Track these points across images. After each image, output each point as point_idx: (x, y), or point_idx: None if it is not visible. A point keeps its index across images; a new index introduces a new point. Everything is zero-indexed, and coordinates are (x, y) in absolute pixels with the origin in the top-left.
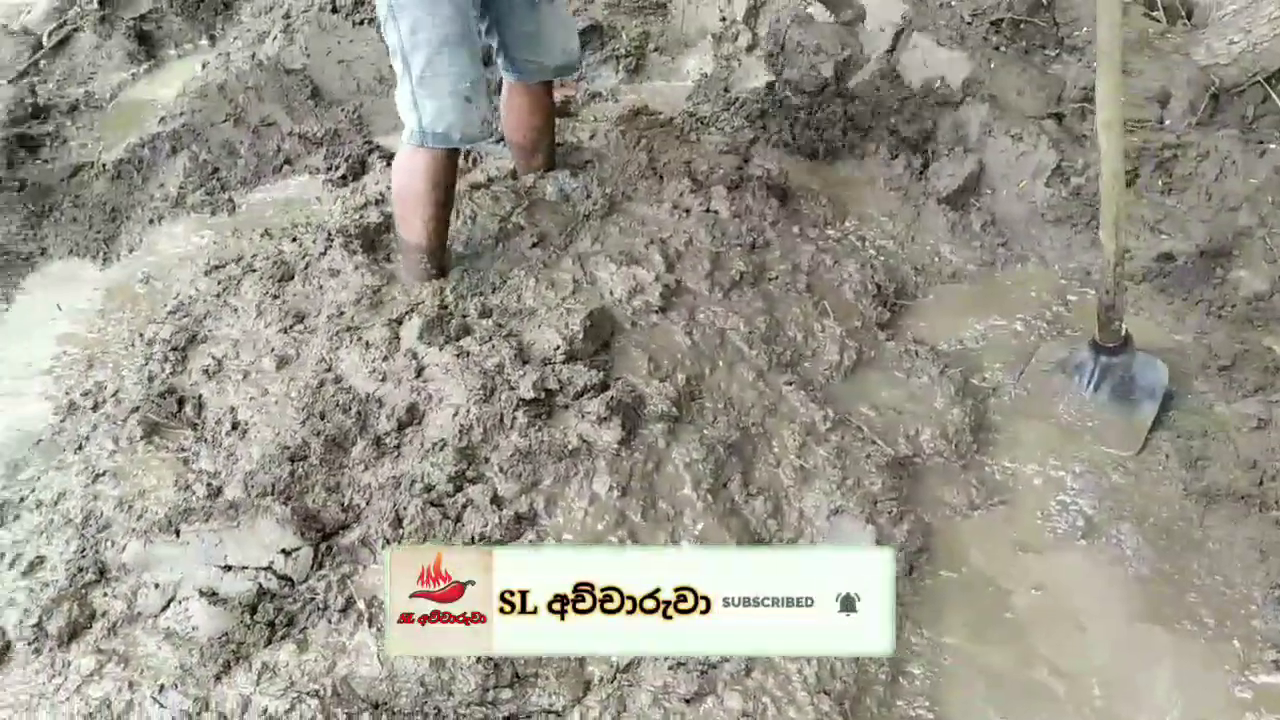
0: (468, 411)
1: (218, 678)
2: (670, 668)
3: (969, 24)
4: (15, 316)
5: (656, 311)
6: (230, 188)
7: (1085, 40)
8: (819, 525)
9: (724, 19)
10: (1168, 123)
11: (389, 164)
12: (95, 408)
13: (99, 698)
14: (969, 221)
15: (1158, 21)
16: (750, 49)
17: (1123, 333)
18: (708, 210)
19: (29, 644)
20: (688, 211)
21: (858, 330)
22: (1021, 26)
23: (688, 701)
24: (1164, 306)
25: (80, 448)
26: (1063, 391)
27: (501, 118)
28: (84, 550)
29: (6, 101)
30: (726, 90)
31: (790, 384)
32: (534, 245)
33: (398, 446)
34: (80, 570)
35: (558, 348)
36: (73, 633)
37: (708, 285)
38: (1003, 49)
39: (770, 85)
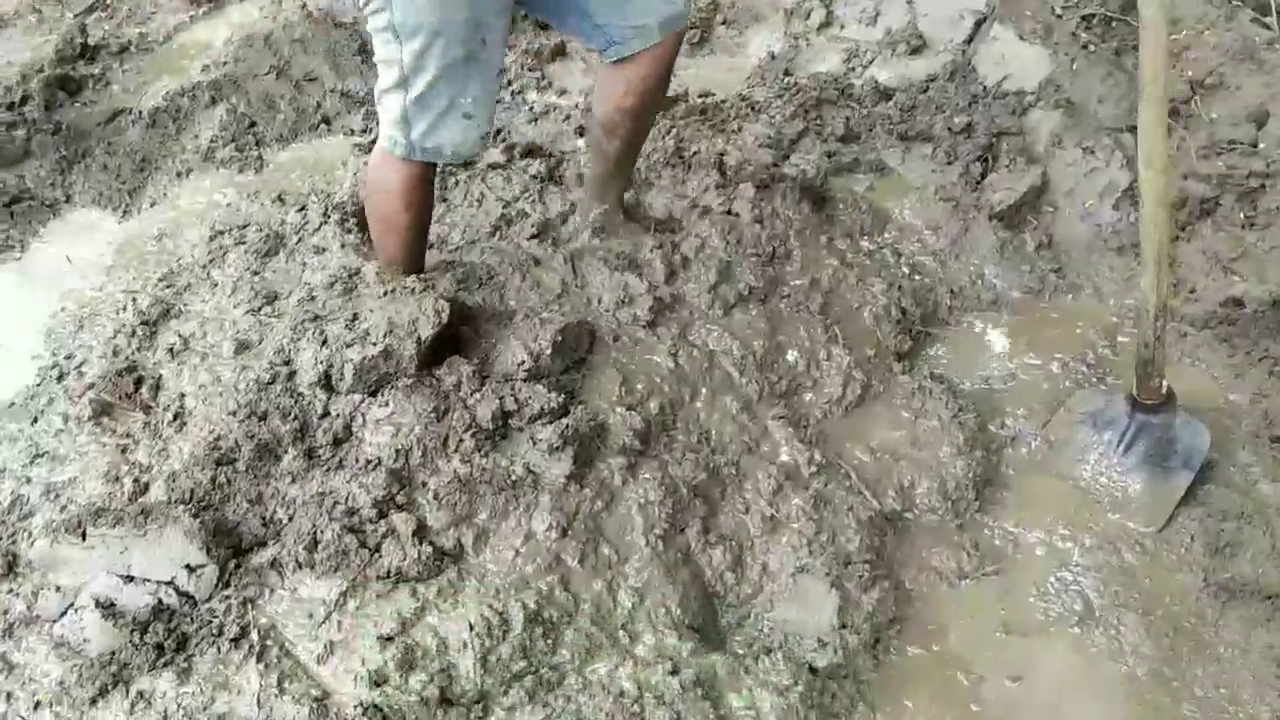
0: (410, 430)
1: (93, 700)
2: None
3: (1059, 17)
4: (26, 265)
5: (644, 326)
6: (264, 143)
7: (1183, 45)
8: (782, 583)
9: None
10: (1261, 146)
11: None
12: (60, 378)
13: None
14: (1022, 241)
15: (1268, 29)
16: (823, 27)
17: (1163, 390)
18: (728, 212)
19: None
20: (705, 211)
21: (869, 360)
22: (1114, 24)
23: None
24: (1223, 359)
25: (35, 420)
26: (1089, 449)
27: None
28: (1, 538)
29: (56, 40)
30: (787, 73)
31: (779, 419)
32: (533, 237)
33: (335, 459)
34: None
35: (521, 363)
36: None
37: (708, 300)
38: (1091, 48)
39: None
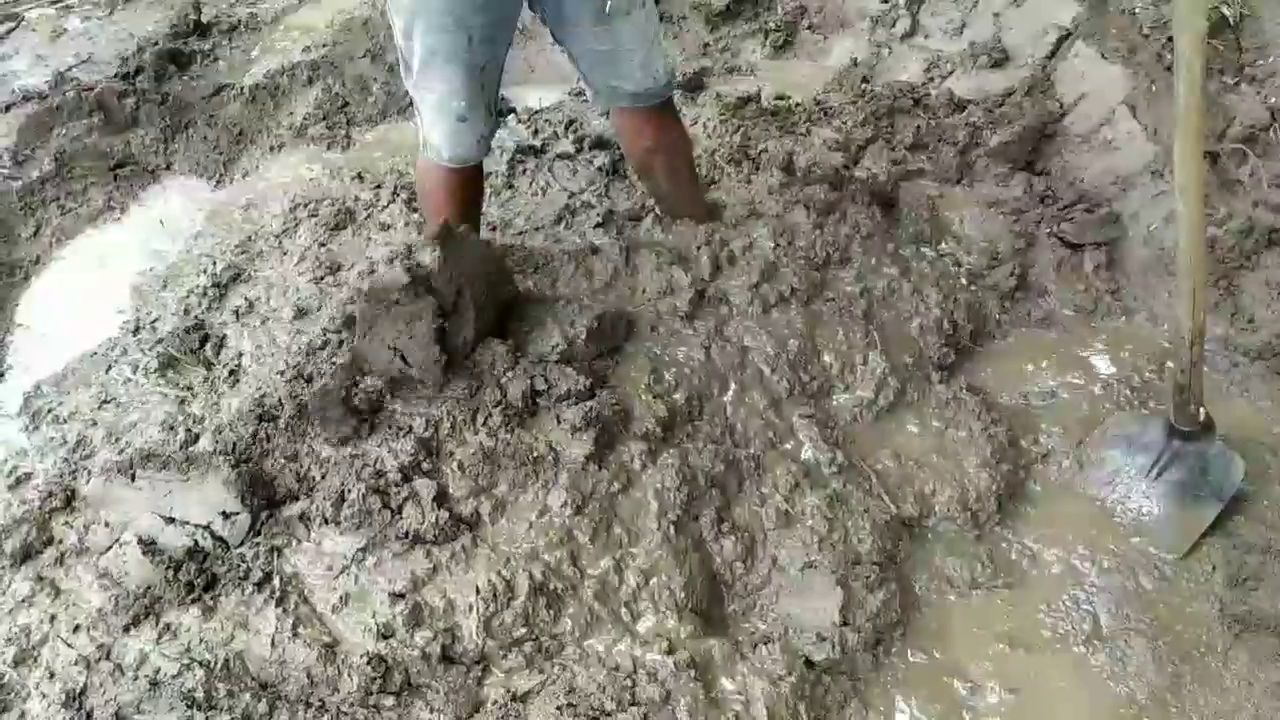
0: (443, 403)
1: (126, 629)
2: (558, 708)
3: (1145, 37)
4: (125, 227)
5: (682, 318)
6: (354, 123)
7: (1269, 71)
8: (790, 577)
9: (885, 1)
10: None
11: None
12: (135, 331)
13: (23, 624)
14: (1080, 260)
15: None
16: (907, 36)
17: (1200, 417)
18: (780, 216)
19: None
20: (758, 212)
21: (907, 368)
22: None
23: None
24: (1273, 392)
25: (108, 369)
26: (1120, 471)
27: None
28: (63, 474)
29: (172, 15)
30: (865, 80)
31: (806, 417)
32: (597, 226)
33: (368, 424)
34: (51, 494)
35: (555, 345)
36: (25, 555)
37: (748, 298)
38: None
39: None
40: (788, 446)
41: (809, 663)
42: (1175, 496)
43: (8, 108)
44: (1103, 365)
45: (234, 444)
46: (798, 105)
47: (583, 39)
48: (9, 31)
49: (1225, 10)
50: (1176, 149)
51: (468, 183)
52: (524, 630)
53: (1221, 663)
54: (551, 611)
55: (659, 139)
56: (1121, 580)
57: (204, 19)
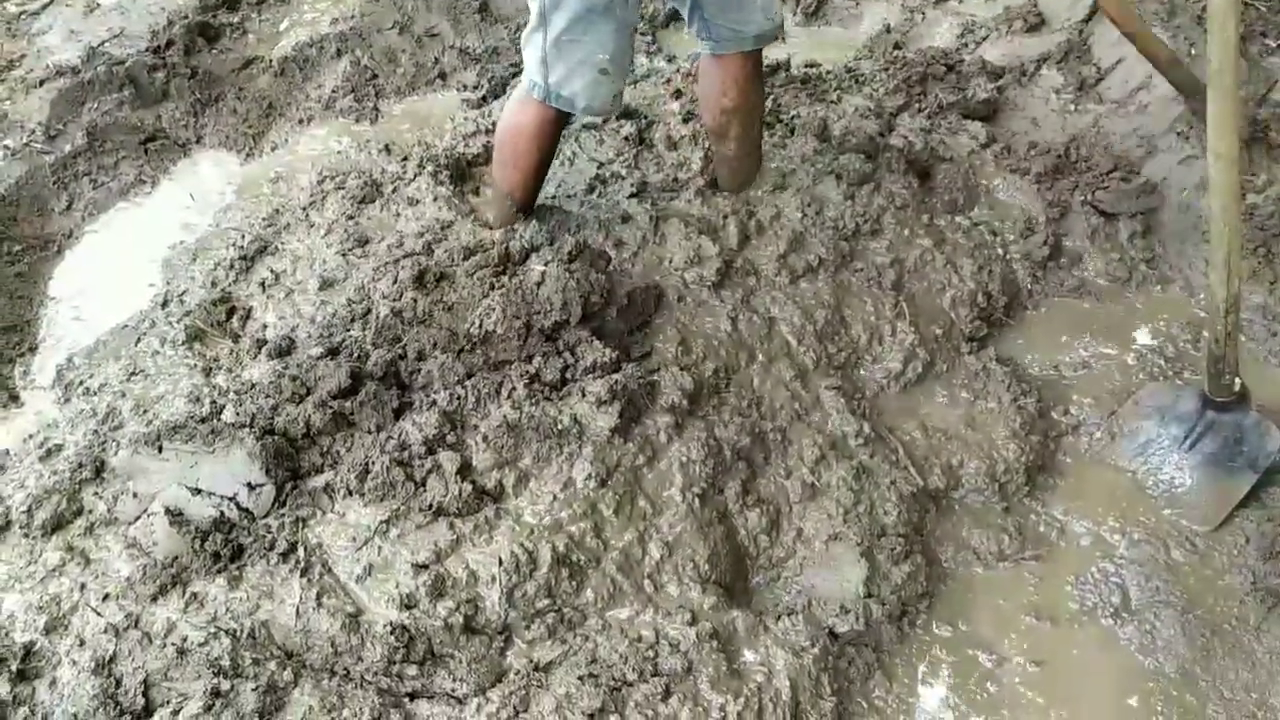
0: (467, 375)
1: (154, 598)
2: (580, 678)
3: None
4: (155, 200)
5: (709, 288)
6: (382, 95)
7: None
8: (815, 549)
9: None
10: None
11: None
12: (164, 304)
13: (54, 593)
14: (1116, 229)
15: None
16: (940, 2)
17: (1236, 387)
18: (814, 184)
19: (20, 528)
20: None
21: (937, 340)
22: (1245, 8)
23: (589, 717)
24: None
25: (138, 341)
26: (1153, 443)
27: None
28: (93, 445)
29: None
30: (897, 47)
31: (833, 389)
32: (632, 195)
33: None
34: (81, 465)
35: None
36: (56, 524)
37: (775, 268)
38: None
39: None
40: (814, 418)
41: (833, 634)
42: (1209, 468)
43: (41, 82)
44: (1137, 335)
45: (257, 413)
46: (828, 73)
47: None
48: (44, 6)
49: None
50: (1210, 109)
51: (560, 132)
52: (546, 601)
53: (1254, 636)
54: (574, 583)
55: (748, 94)
56: (1152, 553)
57: None
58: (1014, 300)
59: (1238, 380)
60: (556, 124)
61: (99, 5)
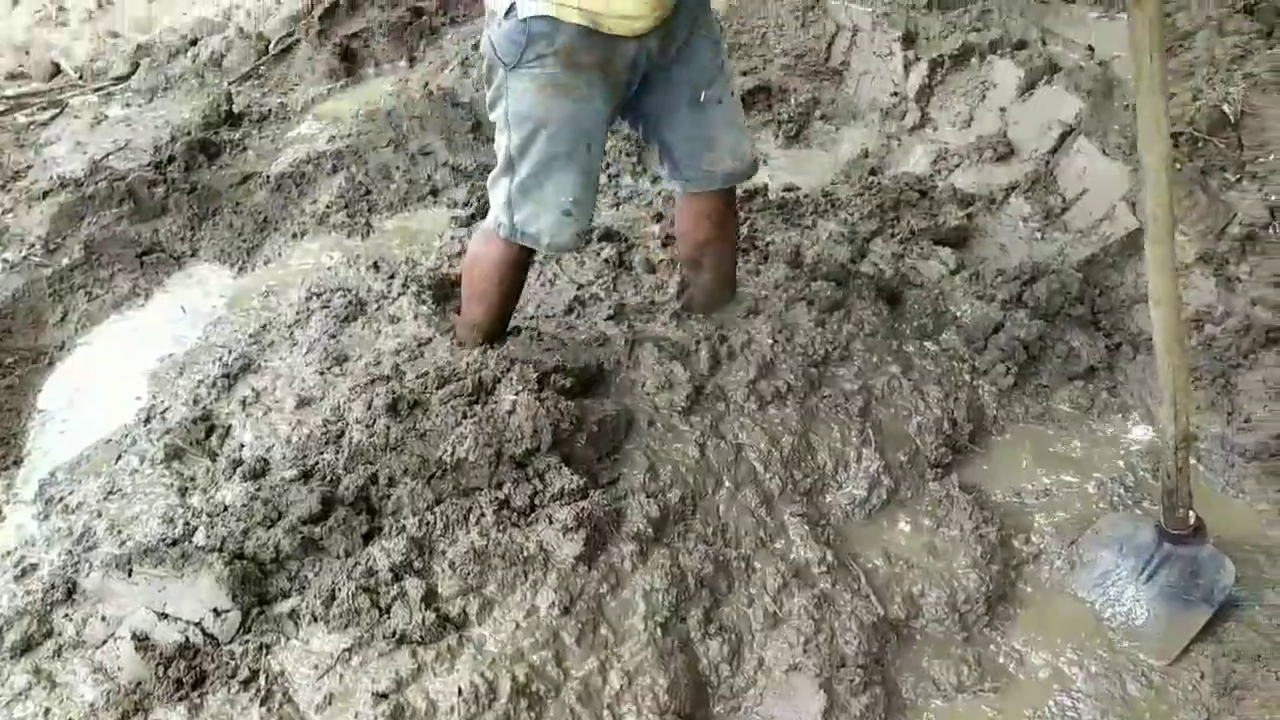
0: (437, 500)
1: None
2: None
3: None
4: (148, 313)
5: (679, 413)
6: (375, 211)
7: (1270, 169)
8: (775, 678)
9: (895, 94)
10: None
11: None
12: (146, 421)
13: (17, 718)
14: (1079, 357)
15: None
16: (916, 129)
17: (1190, 521)
18: (781, 312)
19: None
20: (756, 310)
21: (902, 466)
22: (1200, 145)
23: None
24: (1269, 494)
25: (118, 458)
26: (1111, 574)
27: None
28: (66, 566)
29: (205, 106)
30: (874, 173)
31: (798, 516)
32: (609, 318)
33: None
34: (54, 586)
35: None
36: (26, 646)
37: (744, 394)
38: (1178, 166)
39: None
40: (778, 545)
41: None
42: (1165, 601)
43: (45, 194)
44: (1098, 463)
45: (224, 539)
46: (805, 197)
47: (679, 127)
48: (53, 118)
49: (1225, 108)
50: (1148, 257)
51: (526, 269)
52: None
53: None
54: (533, 713)
55: (722, 228)
56: (1108, 686)
57: (236, 109)
58: (979, 427)
59: (1192, 513)
60: (519, 261)
61: (106, 117)
